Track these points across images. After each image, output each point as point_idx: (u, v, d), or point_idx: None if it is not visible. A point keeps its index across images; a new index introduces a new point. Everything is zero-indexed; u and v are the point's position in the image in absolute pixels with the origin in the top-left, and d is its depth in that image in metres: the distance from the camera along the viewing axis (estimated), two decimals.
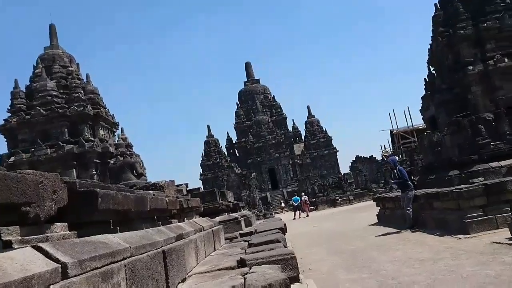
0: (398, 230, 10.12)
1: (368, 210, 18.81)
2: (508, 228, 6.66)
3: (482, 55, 11.29)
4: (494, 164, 8.98)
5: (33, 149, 18.21)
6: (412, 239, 8.71)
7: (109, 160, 18.00)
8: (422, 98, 13.59)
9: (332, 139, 55.29)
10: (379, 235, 10.06)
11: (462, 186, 8.44)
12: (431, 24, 13.03)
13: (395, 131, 41.42)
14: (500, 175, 8.72)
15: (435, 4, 13.05)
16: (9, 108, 19.21)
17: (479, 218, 7.87)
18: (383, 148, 46.92)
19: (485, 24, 11.33)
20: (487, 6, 11.68)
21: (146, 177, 14.97)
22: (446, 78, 12.03)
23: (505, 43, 11.21)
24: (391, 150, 43.36)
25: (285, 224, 12.07)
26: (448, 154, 10.34)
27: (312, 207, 34.66)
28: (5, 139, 19.10)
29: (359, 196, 37.50)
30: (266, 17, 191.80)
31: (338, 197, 37.36)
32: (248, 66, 62.48)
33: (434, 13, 12.86)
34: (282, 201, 43.29)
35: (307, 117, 56.79)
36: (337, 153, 54.95)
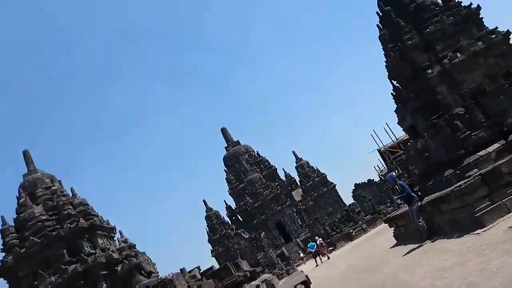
0: (418, 244, 9.97)
1: (383, 233, 18.53)
2: None
3: (436, 57, 11.78)
4: (482, 152, 9.11)
5: (36, 282, 17.58)
6: (434, 249, 8.60)
7: (116, 268, 17.47)
8: (396, 111, 13.92)
9: (326, 175, 55.31)
10: (403, 255, 9.91)
11: (460, 182, 8.49)
12: (380, 43, 13.71)
13: (382, 149, 41.70)
14: (491, 161, 8.82)
15: (377, 25, 13.80)
16: (2, 247, 18.75)
17: (489, 208, 7.87)
18: (377, 169, 46.98)
19: (428, 30, 11.97)
20: (423, 13, 12.38)
21: (157, 273, 14.51)
22: (411, 87, 12.42)
23: (451, 41, 11.79)
24: (386, 168, 43.41)
25: (307, 276, 11.78)
26: (436, 157, 10.46)
27: (331, 248, 33.82)
28: (6, 282, 18.41)
29: (371, 222, 36.92)
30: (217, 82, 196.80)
31: (351, 230, 36.66)
32: (224, 131, 63.33)
33: (379, 33, 13.56)
34: (300, 252, 42.16)
35: (296, 162, 57.05)
36: (336, 187, 54.78)
